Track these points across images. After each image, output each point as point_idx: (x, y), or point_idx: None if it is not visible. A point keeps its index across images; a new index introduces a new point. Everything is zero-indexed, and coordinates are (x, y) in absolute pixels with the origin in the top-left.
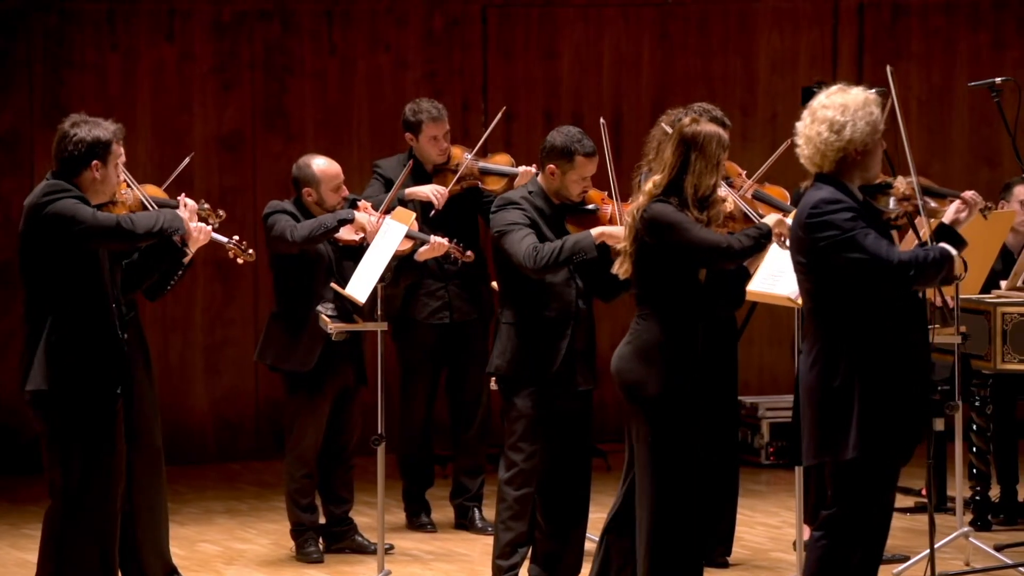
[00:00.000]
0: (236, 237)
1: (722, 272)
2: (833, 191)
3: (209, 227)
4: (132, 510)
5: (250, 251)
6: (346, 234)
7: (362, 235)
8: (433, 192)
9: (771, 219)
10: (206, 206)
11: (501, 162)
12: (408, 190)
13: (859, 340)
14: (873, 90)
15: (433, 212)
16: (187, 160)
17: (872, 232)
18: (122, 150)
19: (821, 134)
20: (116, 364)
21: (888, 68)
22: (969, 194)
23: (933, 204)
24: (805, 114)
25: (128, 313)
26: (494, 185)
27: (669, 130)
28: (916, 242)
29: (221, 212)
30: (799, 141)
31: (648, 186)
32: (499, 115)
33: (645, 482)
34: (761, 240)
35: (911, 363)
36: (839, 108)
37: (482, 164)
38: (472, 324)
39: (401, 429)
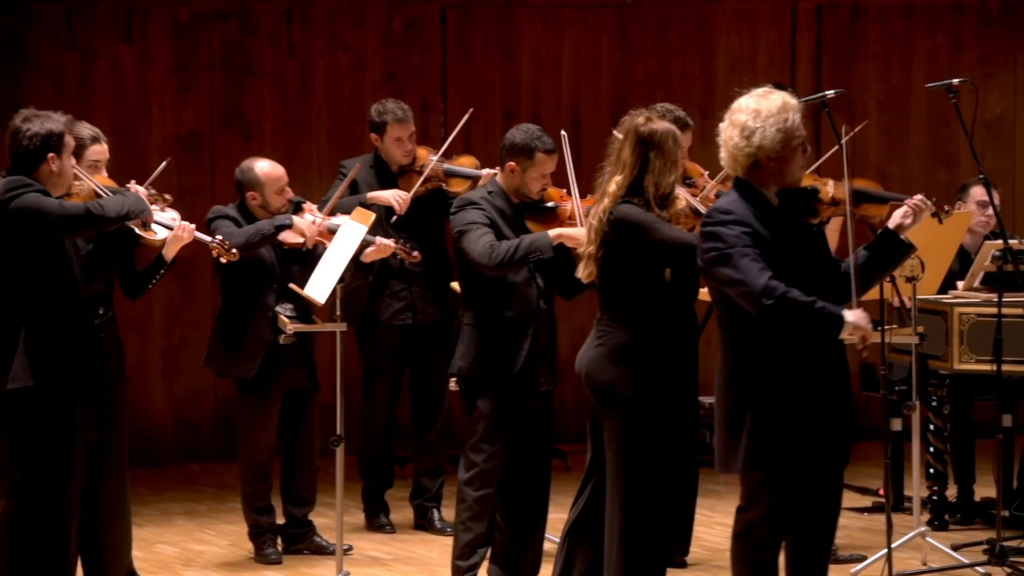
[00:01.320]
0: (219, 236)
1: (686, 270)
2: (734, 200)
3: (192, 226)
4: (98, 514)
5: (233, 250)
6: (289, 237)
7: (306, 238)
8: (395, 197)
9: None
10: (153, 191)
11: (466, 164)
12: (370, 194)
13: (759, 352)
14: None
15: (395, 217)
16: (164, 164)
17: (751, 253)
18: (76, 142)
19: (732, 138)
20: (95, 356)
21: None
22: (916, 199)
23: (872, 211)
24: (726, 115)
25: (106, 313)
26: (459, 187)
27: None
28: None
29: (168, 196)
30: (720, 142)
31: (611, 188)
32: (465, 117)
33: (619, 483)
34: None
35: (813, 380)
36: (752, 113)
37: (447, 166)
38: (435, 325)
39: (362, 430)
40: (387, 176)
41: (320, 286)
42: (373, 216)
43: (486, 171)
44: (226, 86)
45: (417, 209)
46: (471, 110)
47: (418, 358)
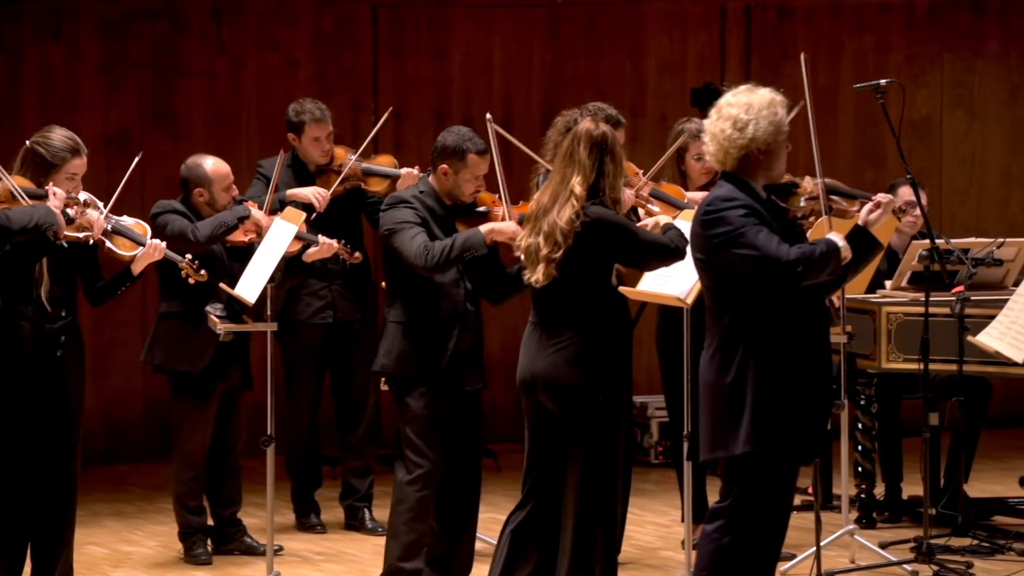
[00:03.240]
0: (188, 256)
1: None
2: (731, 189)
3: (163, 244)
4: (50, 514)
5: (202, 272)
6: (238, 234)
7: (251, 236)
8: (314, 194)
9: (662, 219)
10: (71, 195)
11: (384, 163)
12: (289, 192)
13: (754, 337)
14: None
15: (315, 215)
16: (135, 161)
17: (764, 230)
18: None
19: (724, 131)
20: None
21: (802, 55)
22: (881, 196)
23: (844, 204)
24: (712, 111)
25: (67, 316)
26: (377, 186)
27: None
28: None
29: (82, 197)
30: (705, 138)
31: (577, 189)
32: (386, 115)
33: (582, 483)
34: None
35: (808, 362)
36: (744, 106)
37: (365, 165)
38: (356, 324)
39: (288, 430)
40: (305, 175)
41: (250, 285)
42: (303, 215)
43: (405, 170)
44: (155, 85)
45: (337, 208)
46: (391, 108)
47: (340, 357)
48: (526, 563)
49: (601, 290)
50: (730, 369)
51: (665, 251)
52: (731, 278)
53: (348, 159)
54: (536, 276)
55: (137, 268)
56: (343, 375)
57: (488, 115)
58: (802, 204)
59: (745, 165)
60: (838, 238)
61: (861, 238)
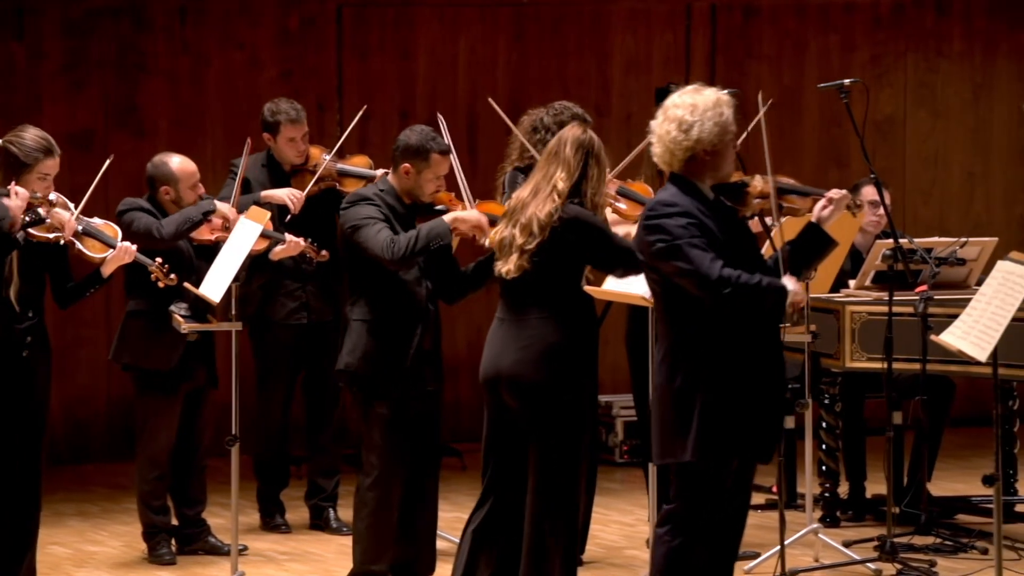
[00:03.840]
0: (159, 260)
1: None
2: (675, 193)
3: (134, 247)
4: (19, 521)
5: (172, 275)
6: (205, 232)
7: (219, 235)
8: (290, 196)
9: None
10: (38, 195)
11: (359, 164)
12: (264, 193)
13: (702, 342)
14: (726, 91)
15: (289, 217)
16: (107, 163)
17: (700, 243)
18: None
19: (670, 132)
20: None
21: (759, 95)
22: (834, 192)
23: (796, 203)
24: (658, 113)
25: (34, 317)
26: (352, 187)
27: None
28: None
29: (52, 197)
30: (652, 140)
31: (560, 185)
32: (358, 116)
33: (545, 482)
34: None
35: (757, 366)
36: (689, 108)
37: (340, 166)
38: (329, 325)
39: (258, 430)
40: (280, 175)
41: (215, 285)
42: (268, 214)
43: (380, 171)
44: (119, 84)
45: (310, 209)
46: (364, 107)
47: (313, 358)
48: (488, 562)
49: (570, 288)
50: (678, 375)
51: (637, 262)
52: (672, 284)
53: (323, 159)
54: (507, 267)
55: (107, 270)
56: (317, 375)
57: (439, 115)
58: (753, 203)
59: (691, 166)
60: (790, 282)
61: (814, 235)
